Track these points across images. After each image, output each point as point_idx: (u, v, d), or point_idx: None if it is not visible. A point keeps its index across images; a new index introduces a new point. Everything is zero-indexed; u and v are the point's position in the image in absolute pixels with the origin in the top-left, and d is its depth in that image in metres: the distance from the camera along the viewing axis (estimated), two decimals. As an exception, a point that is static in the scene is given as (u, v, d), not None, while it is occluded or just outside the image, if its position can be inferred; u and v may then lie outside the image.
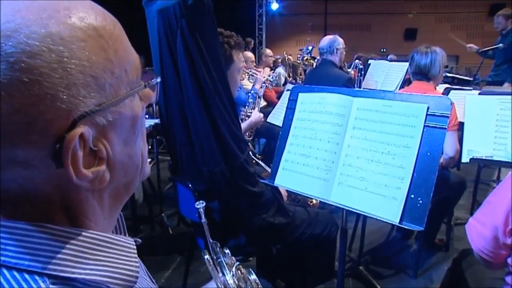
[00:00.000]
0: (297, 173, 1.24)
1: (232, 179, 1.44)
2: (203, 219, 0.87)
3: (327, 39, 3.15)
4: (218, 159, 1.41)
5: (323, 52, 3.15)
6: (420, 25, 12.11)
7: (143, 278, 0.57)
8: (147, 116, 3.44)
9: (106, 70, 0.40)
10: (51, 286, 0.38)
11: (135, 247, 0.48)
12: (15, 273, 0.38)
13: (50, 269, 0.39)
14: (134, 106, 0.46)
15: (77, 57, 0.38)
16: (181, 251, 2.51)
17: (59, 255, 0.40)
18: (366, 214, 1.08)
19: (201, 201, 0.87)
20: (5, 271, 0.38)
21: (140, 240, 0.51)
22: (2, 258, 0.38)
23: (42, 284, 0.38)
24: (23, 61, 0.34)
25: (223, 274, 0.80)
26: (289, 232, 1.62)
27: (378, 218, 1.05)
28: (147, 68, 1.92)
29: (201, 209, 0.87)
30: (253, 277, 0.81)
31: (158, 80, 0.51)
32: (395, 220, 1.02)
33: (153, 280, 0.63)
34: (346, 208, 1.12)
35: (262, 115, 2.61)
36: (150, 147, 4.64)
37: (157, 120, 2.61)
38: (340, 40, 3.15)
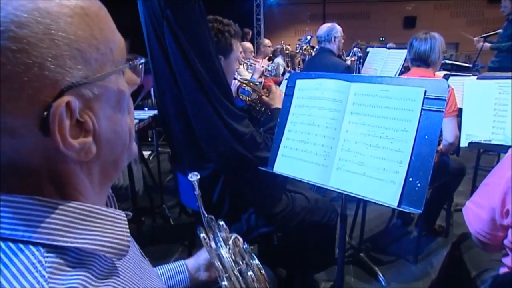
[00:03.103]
0: (296, 160, 1.24)
1: (246, 151, 1.44)
2: (197, 191, 0.87)
3: (325, 27, 3.13)
4: (228, 139, 1.41)
5: (321, 40, 3.13)
6: (419, 12, 12.01)
7: (136, 254, 0.58)
8: (146, 109, 3.43)
9: (91, 45, 0.43)
10: (45, 254, 0.39)
11: (126, 219, 0.49)
12: (10, 244, 0.39)
13: (44, 239, 0.40)
14: (119, 84, 0.48)
15: (63, 30, 0.40)
16: (183, 241, 2.52)
17: (51, 225, 0.41)
18: (365, 198, 1.08)
19: (194, 173, 0.87)
20: (0, 242, 0.39)
21: (131, 214, 0.53)
22: None
23: (37, 253, 0.39)
24: (11, 30, 0.36)
25: (218, 248, 0.80)
26: (289, 219, 1.63)
27: (376, 202, 1.05)
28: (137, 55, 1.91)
29: (195, 182, 0.87)
30: (256, 261, 0.81)
31: (142, 60, 0.53)
32: (394, 203, 1.02)
33: (146, 258, 0.64)
34: (345, 193, 1.12)
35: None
36: (150, 139, 4.65)
37: (155, 111, 2.60)
38: (338, 28, 3.12)
